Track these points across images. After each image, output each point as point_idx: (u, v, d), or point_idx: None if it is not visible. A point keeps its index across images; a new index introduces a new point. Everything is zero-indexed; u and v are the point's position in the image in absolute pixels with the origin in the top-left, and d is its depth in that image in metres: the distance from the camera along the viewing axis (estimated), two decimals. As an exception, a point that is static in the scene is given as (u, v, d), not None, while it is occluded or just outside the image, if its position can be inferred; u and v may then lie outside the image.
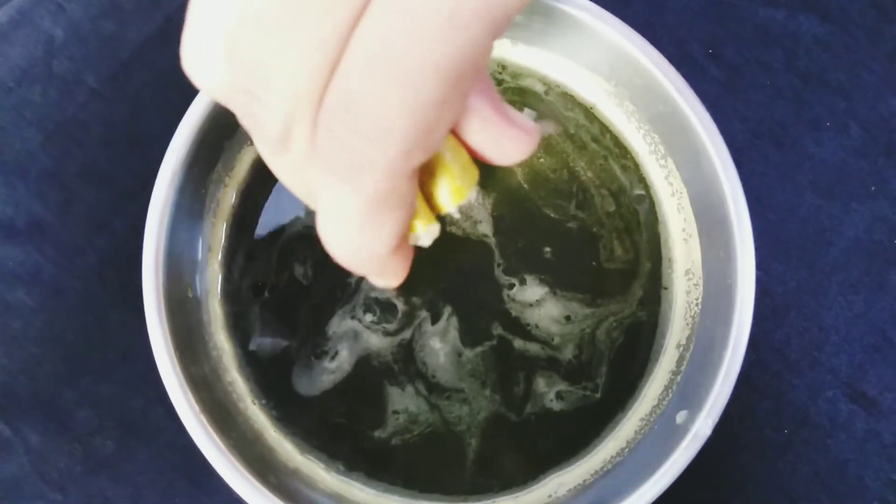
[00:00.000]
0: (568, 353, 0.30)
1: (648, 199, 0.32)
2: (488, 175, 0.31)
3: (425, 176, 0.17)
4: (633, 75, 0.29)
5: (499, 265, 0.31)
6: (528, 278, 0.31)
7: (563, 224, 0.31)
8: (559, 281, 0.31)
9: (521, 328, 0.30)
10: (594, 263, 0.31)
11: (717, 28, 0.37)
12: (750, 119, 0.36)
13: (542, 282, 0.31)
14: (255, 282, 0.31)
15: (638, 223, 0.31)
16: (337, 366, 0.30)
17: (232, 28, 0.14)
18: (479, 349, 0.30)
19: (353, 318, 0.31)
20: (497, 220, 0.31)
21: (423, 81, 0.12)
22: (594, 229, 0.31)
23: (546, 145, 0.32)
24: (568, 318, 0.30)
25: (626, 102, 0.31)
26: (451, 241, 0.31)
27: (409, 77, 0.12)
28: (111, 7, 0.36)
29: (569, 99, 0.32)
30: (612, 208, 0.31)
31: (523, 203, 0.31)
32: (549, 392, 0.30)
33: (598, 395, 0.30)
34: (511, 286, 0.31)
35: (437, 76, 0.12)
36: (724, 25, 0.37)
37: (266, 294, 0.31)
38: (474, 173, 0.18)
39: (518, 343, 0.30)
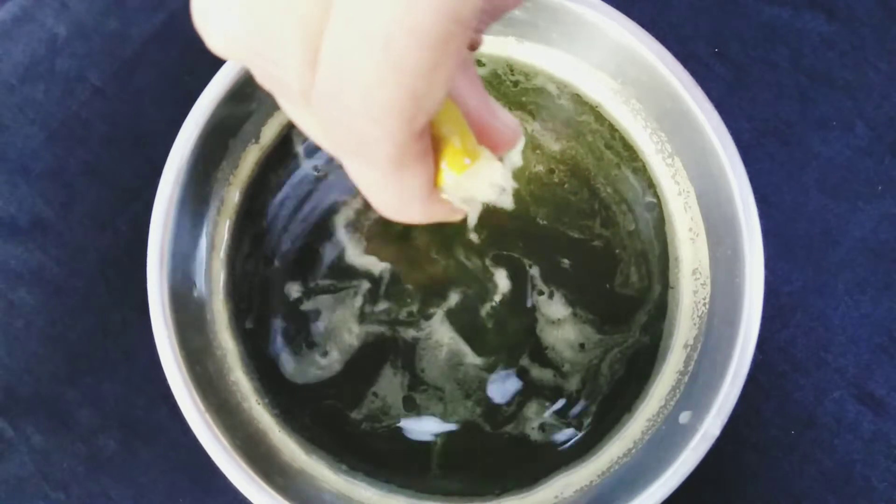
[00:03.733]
0: (572, 386, 0.30)
1: (656, 199, 0.31)
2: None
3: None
4: (639, 73, 0.29)
5: (530, 265, 0.31)
6: (556, 294, 0.31)
7: (579, 244, 0.31)
8: (582, 301, 0.31)
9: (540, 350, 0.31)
10: (608, 286, 0.31)
11: (723, 26, 0.37)
12: (756, 118, 0.36)
13: (568, 301, 0.31)
14: (260, 278, 0.31)
15: (652, 242, 0.31)
16: (341, 359, 0.30)
17: None
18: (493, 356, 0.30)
19: (358, 312, 0.31)
20: (528, 236, 0.31)
21: (403, 46, 0.12)
22: (616, 251, 0.31)
23: (572, 166, 0.32)
24: (582, 345, 0.30)
25: (633, 100, 0.31)
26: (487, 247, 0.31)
27: (387, 44, 0.12)
28: (114, 5, 0.36)
29: (577, 99, 0.32)
30: (632, 227, 0.31)
31: (543, 224, 0.31)
32: (535, 421, 0.30)
33: (580, 434, 0.30)
34: (541, 293, 0.31)
35: (415, 39, 0.12)
36: (730, 24, 0.37)
37: (270, 290, 0.31)
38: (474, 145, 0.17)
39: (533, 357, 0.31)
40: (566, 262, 0.31)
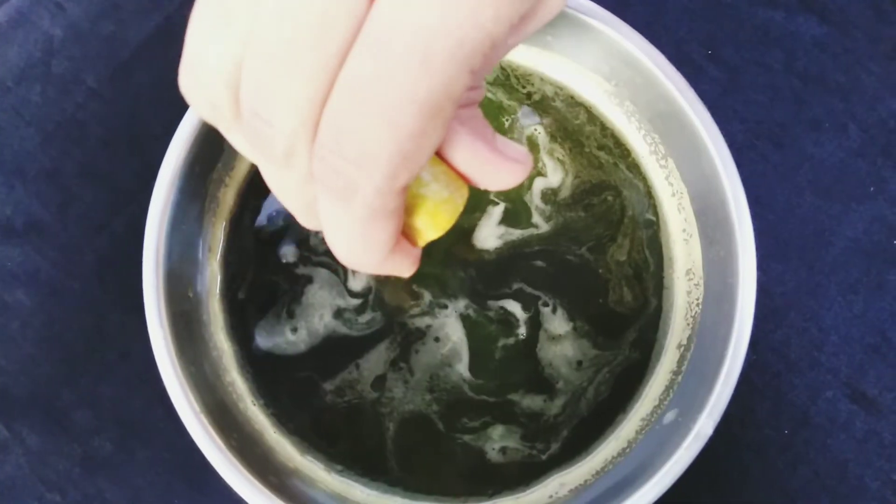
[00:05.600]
0: (552, 410, 0.30)
1: (649, 199, 0.32)
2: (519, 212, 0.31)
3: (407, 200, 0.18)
4: (633, 75, 0.29)
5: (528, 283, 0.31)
6: (558, 305, 0.31)
7: (575, 250, 0.31)
8: (580, 310, 0.31)
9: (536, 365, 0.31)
10: (604, 293, 0.31)
11: (717, 29, 0.37)
12: (749, 120, 0.36)
13: (567, 312, 0.31)
14: (255, 280, 0.31)
15: (645, 243, 0.31)
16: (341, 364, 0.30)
17: (235, 57, 0.15)
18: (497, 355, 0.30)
19: (344, 313, 0.31)
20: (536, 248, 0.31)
21: (403, 116, 0.14)
22: (612, 255, 0.31)
23: (569, 173, 0.32)
24: (580, 362, 0.30)
25: (627, 102, 0.31)
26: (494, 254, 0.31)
27: (389, 112, 0.14)
28: (110, 7, 0.36)
29: (571, 101, 0.32)
30: (629, 230, 0.31)
31: (543, 235, 0.31)
32: (497, 443, 0.30)
33: (543, 458, 0.30)
34: (545, 304, 0.31)
35: (414, 110, 0.14)
36: (724, 26, 0.37)
37: (264, 291, 0.31)
38: (460, 194, 0.18)
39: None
40: (564, 269, 0.31)
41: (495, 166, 0.17)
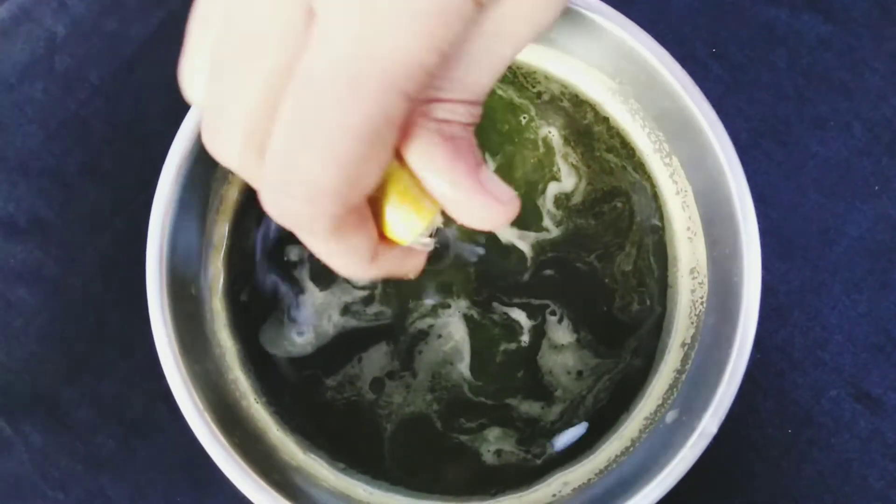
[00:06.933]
0: (552, 415, 0.30)
1: (654, 199, 0.32)
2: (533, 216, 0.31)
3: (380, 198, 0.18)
4: (638, 72, 0.29)
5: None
6: (564, 313, 0.31)
7: (583, 256, 0.31)
8: (587, 326, 0.31)
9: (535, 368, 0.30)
10: (605, 308, 0.31)
11: (721, 27, 0.37)
12: (753, 118, 0.36)
13: (571, 320, 0.31)
14: (258, 278, 0.31)
15: (651, 267, 0.31)
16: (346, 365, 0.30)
17: (205, 63, 0.16)
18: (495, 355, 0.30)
19: (351, 308, 0.31)
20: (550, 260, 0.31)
21: (340, 142, 0.14)
22: (607, 281, 0.31)
23: (575, 173, 0.32)
24: (580, 372, 0.30)
25: (631, 100, 0.31)
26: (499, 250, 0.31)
27: (327, 143, 0.14)
28: (113, 4, 0.36)
29: (575, 100, 0.32)
30: (634, 230, 0.31)
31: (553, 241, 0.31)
32: (493, 445, 0.30)
33: (537, 462, 0.30)
34: (552, 313, 0.31)
35: (351, 137, 0.14)
36: (728, 24, 0.37)
37: (268, 289, 0.31)
38: (420, 215, 0.17)
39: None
40: (573, 277, 0.31)
41: (469, 196, 0.16)
